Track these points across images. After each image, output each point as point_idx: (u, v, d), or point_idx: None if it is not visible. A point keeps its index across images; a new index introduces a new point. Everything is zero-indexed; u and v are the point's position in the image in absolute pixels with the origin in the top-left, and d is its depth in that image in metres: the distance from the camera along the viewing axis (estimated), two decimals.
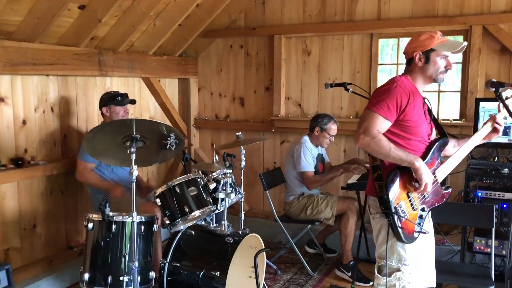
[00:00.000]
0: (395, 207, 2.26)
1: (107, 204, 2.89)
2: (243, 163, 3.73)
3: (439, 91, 4.42)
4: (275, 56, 4.92)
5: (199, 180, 3.14)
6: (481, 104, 3.71)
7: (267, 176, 4.21)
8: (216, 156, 3.83)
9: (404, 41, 4.63)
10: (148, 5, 3.96)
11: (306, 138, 4.12)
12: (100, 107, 3.73)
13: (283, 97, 5.00)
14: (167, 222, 3.06)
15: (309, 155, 4.02)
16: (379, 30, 4.49)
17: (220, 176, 3.24)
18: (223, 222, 3.25)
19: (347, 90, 3.68)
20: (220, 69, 5.33)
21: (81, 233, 4.18)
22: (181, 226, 3.11)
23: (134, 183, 2.76)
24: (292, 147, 4.12)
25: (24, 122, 3.61)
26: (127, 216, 2.94)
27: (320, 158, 4.23)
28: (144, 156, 2.90)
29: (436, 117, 2.56)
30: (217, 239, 3.16)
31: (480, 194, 3.45)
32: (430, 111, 2.49)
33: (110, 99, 3.68)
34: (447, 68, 2.42)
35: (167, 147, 2.92)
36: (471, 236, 3.63)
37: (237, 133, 3.72)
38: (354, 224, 3.95)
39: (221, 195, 3.20)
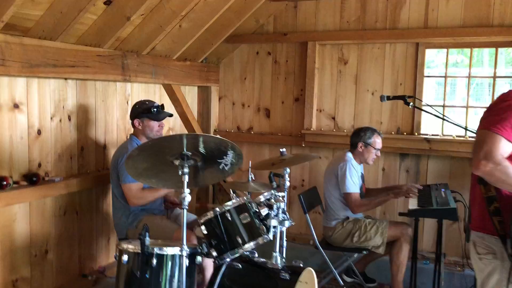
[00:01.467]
0: None
1: (147, 234, 2.43)
2: (287, 183, 3.30)
3: (467, 106, 4.09)
4: (308, 64, 4.52)
5: (249, 205, 2.69)
6: None
7: (305, 197, 3.78)
8: (252, 174, 3.39)
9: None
10: (179, 4, 3.52)
11: (350, 155, 3.71)
12: (132, 118, 3.27)
13: (315, 109, 4.59)
14: (214, 254, 2.59)
15: (355, 175, 3.61)
16: (426, 39, 4.13)
17: (272, 200, 2.80)
18: (274, 254, 2.80)
19: (407, 104, 3.28)
20: (244, 77, 4.91)
21: (95, 259, 3.69)
22: (228, 258, 2.65)
23: (185, 210, 2.31)
24: (335, 165, 3.71)
25: (39, 132, 3.13)
26: (170, 248, 2.47)
27: (363, 177, 3.83)
28: (190, 176, 2.45)
29: None
30: (270, 274, 2.71)
31: None
32: None
33: (144, 111, 3.22)
34: None
35: (220, 166, 2.47)
36: None
37: (281, 149, 3.28)
38: (407, 253, 3.55)
39: (273, 222, 2.75)
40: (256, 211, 2.71)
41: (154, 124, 3.26)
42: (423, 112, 4.20)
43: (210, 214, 2.63)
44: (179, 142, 2.28)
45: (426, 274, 3.84)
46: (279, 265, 2.76)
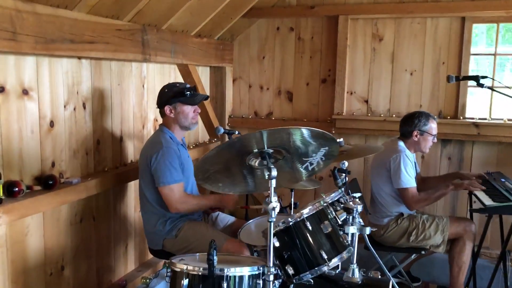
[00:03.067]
0: None
1: (215, 252, 1.93)
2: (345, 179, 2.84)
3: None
4: (339, 41, 4.04)
5: (328, 210, 2.23)
6: None
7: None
8: None
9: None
10: None
11: (403, 144, 3.29)
12: (162, 105, 2.74)
13: (345, 92, 4.14)
14: (291, 271, 2.12)
15: (410, 167, 3.19)
16: (473, 13, 3.72)
17: (350, 202, 2.34)
18: (351, 266, 2.36)
19: (481, 85, 2.87)
20: (262, 56, 4.39)
21: (113, 270, 3.15)
22: (306, 278, 2.18)
23: (271, 224, 1.83)
24: (386, 157, 3.26)
25: (51, 123, 2.54)
26: (244, 268, 1.99)
27: (416, 165, 3.42)
28: (262, 178, 1.97)
29: None
30: None
31: None
32: None
33: (176, 95, 2.69)
34: None
35: (304, 166, 2.00)
36: None
37: (338, 140, 2.81)
38: (470, 252, 3.20)
39: (352, 229, 2.30)
40: (334, 217, 2.25)
41: (189, 109, 2.74)
42: (469, 93, 3.85)
43: (284, 223, 2.15)
44: (263, 138, 1.78)
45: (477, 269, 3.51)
46: (358, 279, 2.33)
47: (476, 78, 2.87)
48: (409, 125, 3.29)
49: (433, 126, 3.28)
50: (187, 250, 2.62)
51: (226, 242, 2.58)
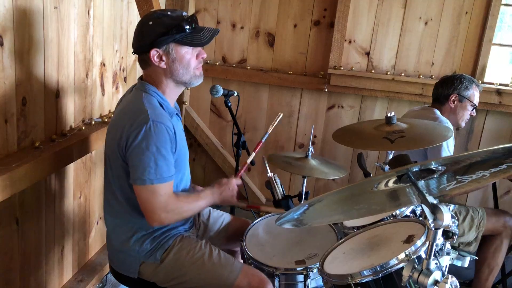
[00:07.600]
0: None
1: None
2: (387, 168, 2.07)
3: None
4: None
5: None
6: None
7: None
8: (312, 147, 2.16)
9: None
10: None
11: (438, 112, 2.58)
12: (145, 49, 1.65)
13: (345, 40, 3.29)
14: None
15: (452, 143, 2.51)
16: None
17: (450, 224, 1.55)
18: None
19: None
20: None
21: (44, 285, 2.14)
22: None
23: None
24: None
25: None
26: None
27: None
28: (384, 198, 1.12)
29: None
30: None
31: None
32: None
33: (170, 30, 1.61)
34: None
35: (443, 186, 1.15)
36: None
37: (388, 114, 1.97)
38: (506, 251, 2.65)
39: (447, 260, 1.55)
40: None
41: (190, 53, 1.69)
42: (491, 53, 3.21)
43: (371, 271, 1.32)
44: None
45: None
46: None
47: None
48: (447, 87, 2.60)
49: (476, 94, 2.61)
50: (177, 283, 1.70)
51: (240, 274, 1.69)
